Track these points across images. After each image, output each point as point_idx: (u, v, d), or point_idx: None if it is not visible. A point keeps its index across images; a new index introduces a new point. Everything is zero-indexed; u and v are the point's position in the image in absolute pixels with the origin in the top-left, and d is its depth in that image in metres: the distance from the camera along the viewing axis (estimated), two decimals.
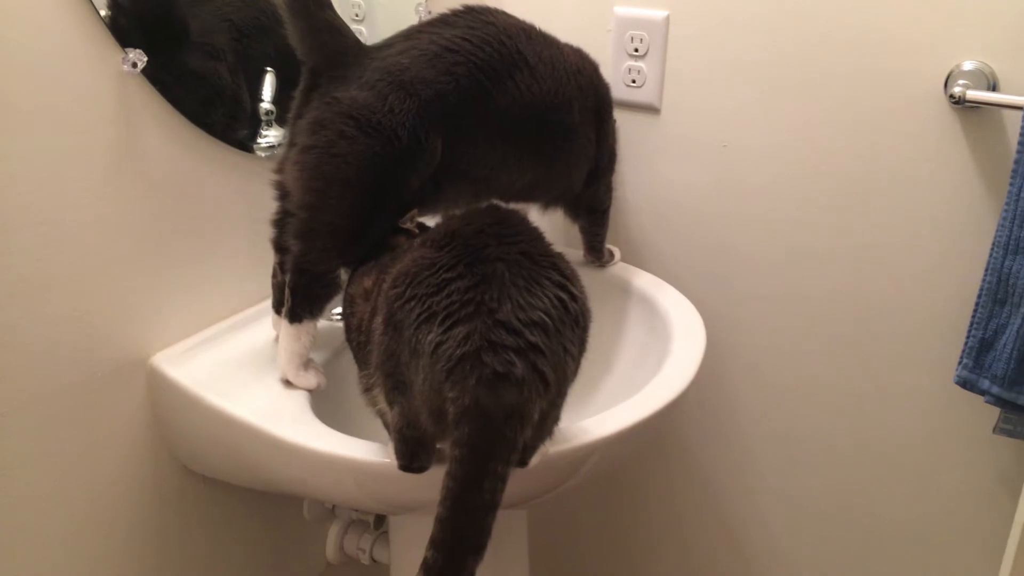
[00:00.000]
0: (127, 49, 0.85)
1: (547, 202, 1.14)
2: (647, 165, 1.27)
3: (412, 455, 0.73)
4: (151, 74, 0.89)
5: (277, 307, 0.99)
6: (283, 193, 0.93)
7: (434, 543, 0.66)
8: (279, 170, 0.93)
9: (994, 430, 1.06)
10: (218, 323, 1.03)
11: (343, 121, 0.85)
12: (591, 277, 1.19)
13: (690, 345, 1.04)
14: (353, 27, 1.17)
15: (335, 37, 0.89)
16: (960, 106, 1.01)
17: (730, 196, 1.22)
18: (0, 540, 0.86)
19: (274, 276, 0.99)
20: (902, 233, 1.11)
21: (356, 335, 0.83)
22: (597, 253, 1.22)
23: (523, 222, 0.76)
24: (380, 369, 0.73)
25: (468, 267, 0.68)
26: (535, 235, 0.75)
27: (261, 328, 1.04)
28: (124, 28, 0.86)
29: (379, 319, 0.72)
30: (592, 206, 1.18)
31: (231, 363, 0.97)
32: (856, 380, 1.20)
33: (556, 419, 0.74)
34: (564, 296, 0.70)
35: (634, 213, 1.31)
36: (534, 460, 0.76)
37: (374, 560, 1.20)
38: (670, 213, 1.28)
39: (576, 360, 0.72)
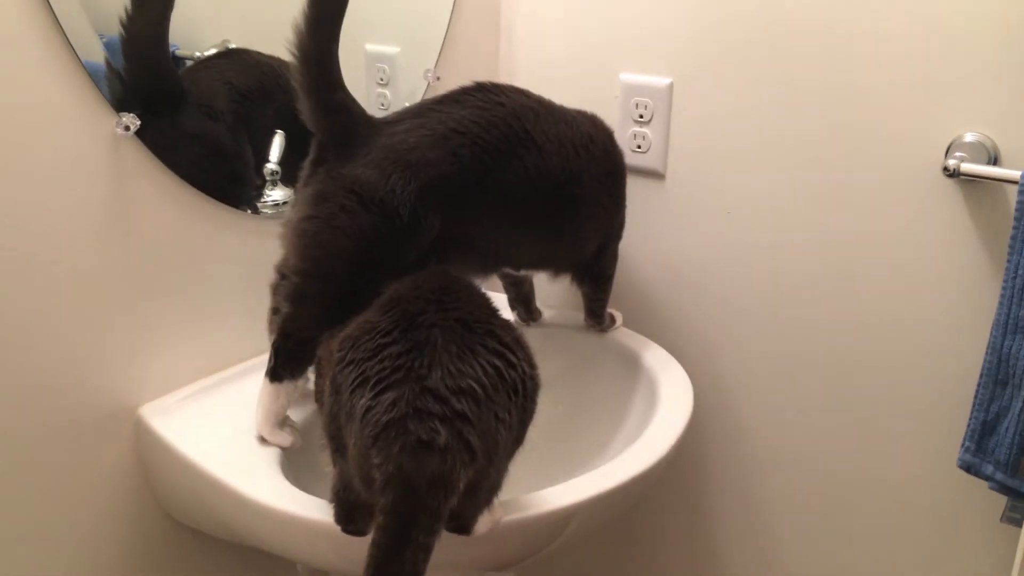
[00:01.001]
0: (120, 113, 0.90)
1: (557, 270, 1.14)
2: (651, 230, 1.27)
3: (348, 518, 0.73)
4: (148, 138, 0.94)
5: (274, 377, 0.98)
6: None
7: None
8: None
9: (1001, 518, 1.01)
10: (210, 376, 1.06)
11: (345, 195, 0.87)
12: (589, 341, 1.21)
13: (674, 413, 1.02)
14: (378, 91, 1.23)
15: (345, 116, 0.91)
16: (955, 179, 0.98)
17: (732, 264, 1.21)
18: None
19: (270, 324, 0.98)
20: (904, 307, 1.08)
21: (319, 396, 0.84)
22: (598, 318, 1.21)
23: (467, 288, 0.76)
24: (325, 431, 0.74)
25: (403, 333, 0.69)
26: (478, 302, 0.75)
27: (252, 383, 1.05)
28: (120, 93, 0.91)
29: (326, 381, 0.74)
30: (598, 272, 1.18)
31: (216, 416, 0.99)
32: (858, 458, 1.16)
33: (495, 488, 0.73)
34: (500, 364, 0.70)
35: (638, 277, 1.30)
36: (481, 528, 0.76)
37: None
38: (673, 278, 1.27)
39: (513, 429, 0.71)
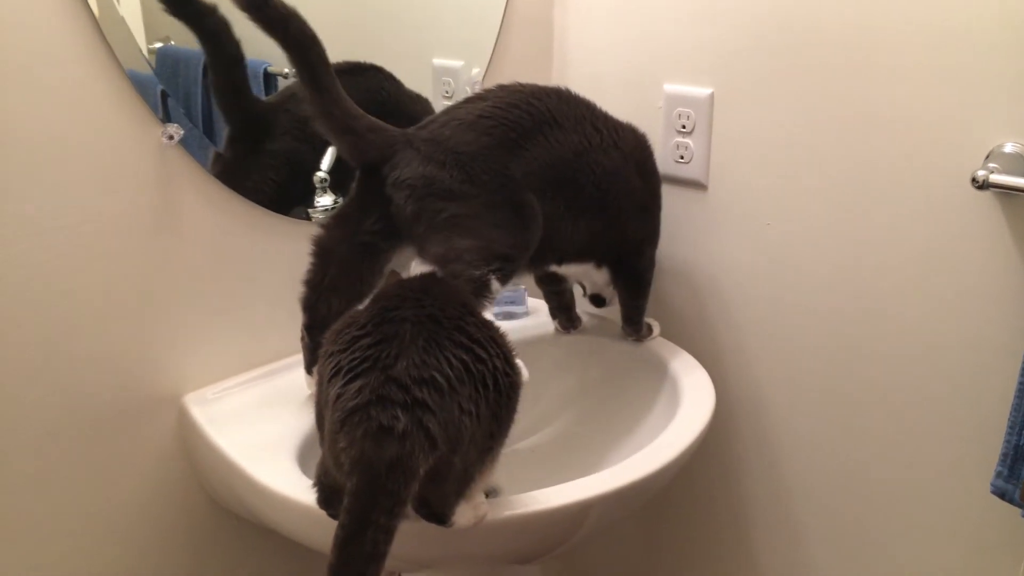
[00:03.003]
0: (166, 124, 0.98)
1: (603, 253, 1.16)
2: (694, 240, 1.26)
3: (328, 501, 0.77)
4: (221, 164, 1.05)
5: (309, 368, 1.04)
6: (320, 253, 1.00)
7: None
8: (326, 231, 1.00)
9: None
10: (249, 371, 1.13)
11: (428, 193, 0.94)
12: (622, 351, 1.21)
13: (693, 416, 1.03)
14: (443, 102, 1.29)
15: (379, 134, 0.97)
16: (990, 191, 0.94)
17: (771, 275, 1.18)
18: (36, 557, 0.98)
19: (303, 339, 1.03)
20: (939, 324, 1.03)
21: None
22: (635, 326, 1.21)
23: (448, 289, 0.79)
24: (316, 420, 0.78)
25: (376, 326, 0.73)
26: (454, 301, 0.77)
27: (288, 379, 1.12)
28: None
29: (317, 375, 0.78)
30: (636, 276, 1.19)
31: (249, 408, 1.05)
32: (890, 477, 1.11)
33: (467, 479, 0.75)
34: (467, 357, 0.72)
35: (678, 287, 1.29)
36: (462, 521, 0.78)
37: None
38: (714, 288, 1.26)
39: (482, 422, 0.73)
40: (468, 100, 1.04)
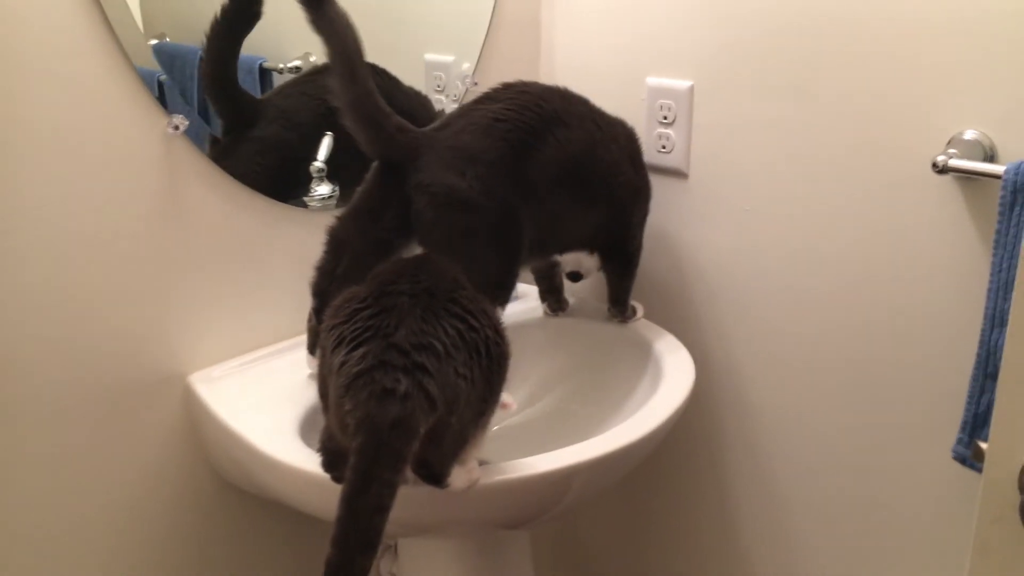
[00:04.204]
0: (171, 114, 1.03)
1: (601, 241, 1.21)
2: (676, 226, 1.32)
3: (332, 464, 0.82)
4: (214, 147, 1.09)
5: (312, 349, 1.10)
6: (334, 243, 1.05)
7: (333, 541, 0.74)
8: (340, 223, 1.05)
9: None
10: (253, 351, 1.18)
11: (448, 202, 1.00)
12: (608, 331, 1.27)
13: (674, 391, 1.08)
14: (435, 96, 1.33)
15: (406, 135, 1.02)
16: (949, 175, 0.99)
17: (749, 259, 1.25)
18: (44, 529, 1.03)
19: (309, 320, 1.09)
20: (906, 302, 1.09)
21: None
22: (621, 307, 1.27)
23: (439, 266, 0.85)
24: (318, 390, 0.83)
25: (376, 299, 0.78)
26: (447, 276, 0.83)
27: (289, 359, 1.17)
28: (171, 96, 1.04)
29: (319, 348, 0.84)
30: (628, 256, 1.25)
31: (253, 386, 1.10)
32: (862, 446, 1.18)
33: (462, 440, 0.81)
34: (461, 326, 0.78)
35: (660, 272, 1.35)
36: (457, 483, 0.83)
37: None
38: (695, 273, 1.31)
39: (476, 386, 0.79)
40: (480, 101, 1.09)
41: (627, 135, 1.21)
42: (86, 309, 1.01)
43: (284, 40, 1.16)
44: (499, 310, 1.01)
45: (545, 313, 1.32)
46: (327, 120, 1.17)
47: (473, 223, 1.01)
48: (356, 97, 0.96)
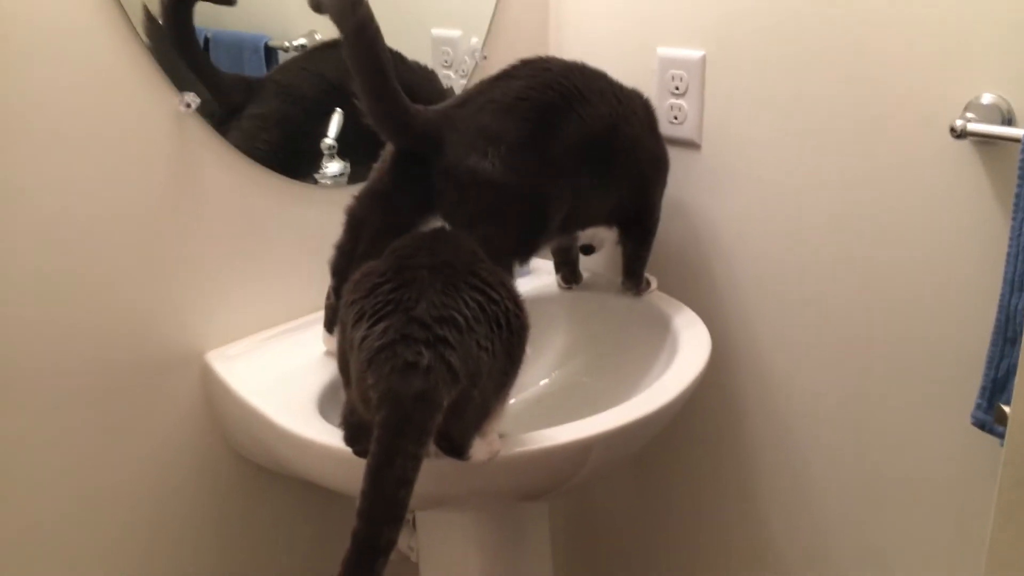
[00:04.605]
0: (183, 92, 1.02)
1: (622, 215, 1.21)
2: (690, 198, 1.31)
3: (354, 439, 0.83)
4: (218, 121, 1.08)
5: (329, 327, 1.10)
6: (354, 223, 1.04)
7: (359, 514, 0.74)
8: (359, 203, 1.04)
9: None
10: (269, 329, 1.18)
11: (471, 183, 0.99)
12: (623, 304, 1.27)
13: (689, 364, 1.08)
14: (443, 72, 1.32)
15: (429, 124, 1.00)
16: (968, 140, 0.99)
17: (762, 228, 1.24)
18: (62, 507, 1.03)
19: (328, 298, 1.09)
20: (925, 268, 1.09)
21: None
22: (636, 279, 1.26)
23: (456, 239, 0.85)
24: (338, 365, 0.84)
25: (396, 273, 0.78)
26: (465, 248, 0.83)
27: (305, 336, 1.17)
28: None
29: (338, 324, 0.84)
30: (646, 229, 1.24)
31: (270, 363, 1.11)
32: (881, 410, 1.18)
33: (484, 413, 0.81)
34: (481, 299, 0.78)
35: (674, 243, 1.34)
36: (478, 455, 0.83)
37: None
38: (708, 243, 1.31)
39: (498, 358, 0.79)
40: (499, 78, 1.07)
41: (644, 107, 1.20)
42: (101, 289, 1.01)
43: (289, 18, 1.16)
44: (516, 265, 1.02)
45: (559, 285, 1.32)
46: (335, 96, 1.17)
47: (497, 203, 1.00)
48: (379, 99, 0.94)
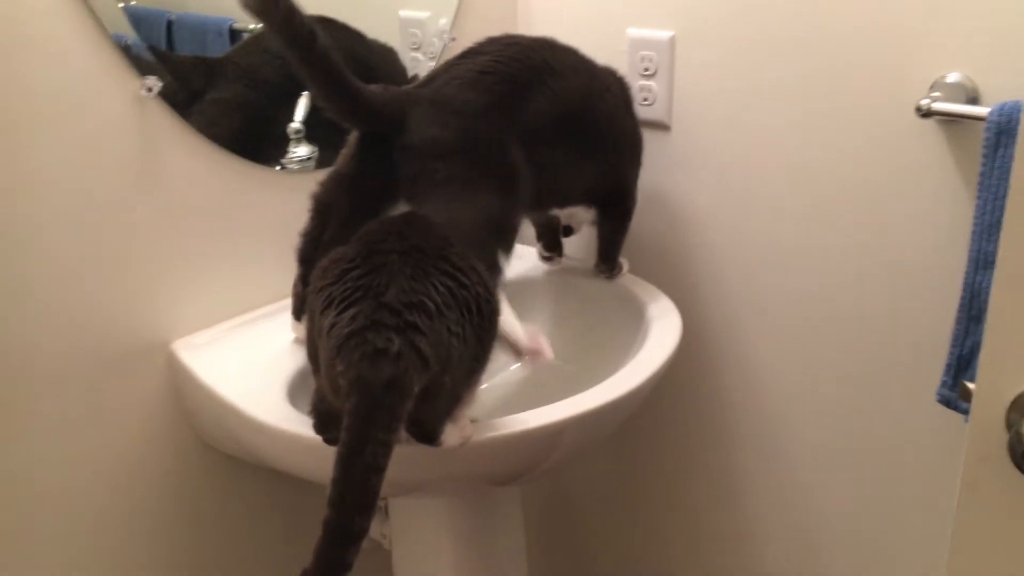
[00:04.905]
0: (144, 76, 1.00)
1: (599, 194, 1.20)
2: (660, 179, 1.31)
3: (324, 427, 0.82)
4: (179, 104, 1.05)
5: (297, 315, 1.08)
6: (320, 209, 1.02)
7: (330, 502, 0.74)
8: (324, 188, 1.02)
9: None
10: (236, 317, 1.16)
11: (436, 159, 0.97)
12: (595, 287, 1.27)
13: (659, 348, 1.09)
14: (411, 54, 1.31)
15: (391, 105, 0.98)
16: (933, 119, 1.00)
17: (733, 209, 1.25)
18: (28, 503, 1.02)
19: (295, 287, 1.07)
20: (891, 247, 1.10)
21: None
22: (611, 263, 1.26)
23: (426, 223, 0.84)
24: (307, 352, 0.83)
25: (364, 259, 0.77)
26: (435, 234, 0.82)
27: (273, 324, 1.16)
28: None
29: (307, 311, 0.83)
30: (623, 211, 1.24)
31: (238, 352, 1.09)
32: (850, 390, 1.20)
33: (455, 399, 0.81)
34: (451, 284, 0.77)
35: (645, 224, 1.34)
36: (450, 441, 0.83)
37: None
38: (678, 224, 1.32)
39: (468, 344, 0.78)
40: (465, 55, 1.05)
41: (619, 83, 1.19)
42: (60, 279, 0.99)
43: None
44: (504, 259, 1.00)
45: (540, 255, 1.32)
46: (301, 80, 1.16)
47: (461, 173, 0.97)
48: (341, 102, 0.93)
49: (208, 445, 1.17)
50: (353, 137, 1.02)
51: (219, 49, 1.12)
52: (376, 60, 1.27)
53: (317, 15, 1.15)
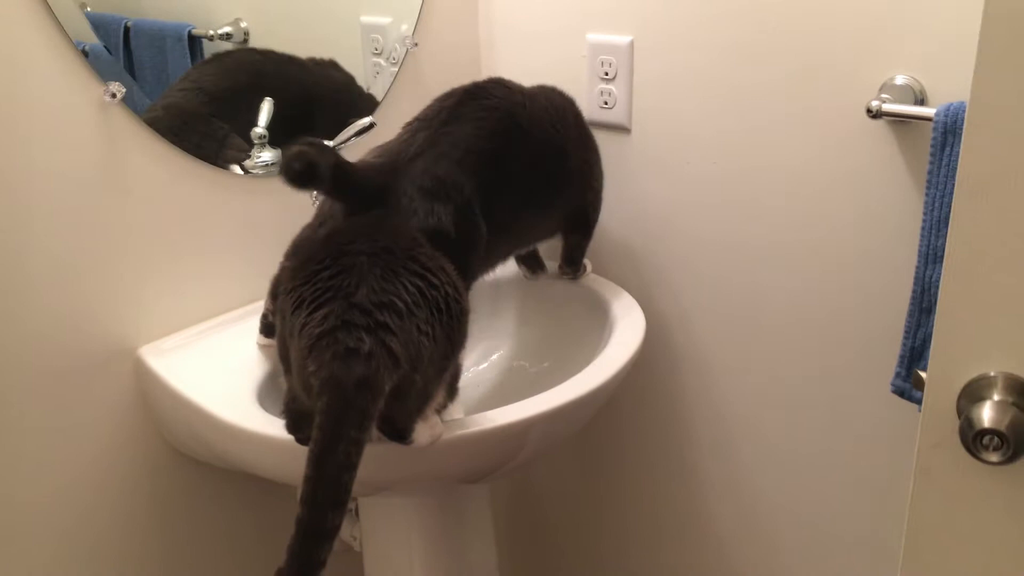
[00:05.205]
0: (107, 82, 1.00)
1: (566, 220, 1.23)
2: (620, 181, 1.34)
3: (296, 426, 0.83)
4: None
5: (266, 333, 1.09)
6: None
7: (303, 500, 0.75)
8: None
9: None
10: (203, 322, 1.16)
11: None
12: (559, 288, 1.29)
13: (623, 346, 1.11)
14: (373, 60, 1.32)
15: (379, 188, 0.95)
16: (883, 120, 1.03)
17: (692, 210, 1.27)
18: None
19: (264, 318, 1.08)
20: (844, 244, 1.13)
21: None
22: (575, 266, 1.29)
23: (395, 223, 0.85)
24: (278, 353, 0.84)
25: (334, 260, 0.78)
26: (403, 234, 0.84)
27: (240, 329, 1.16)
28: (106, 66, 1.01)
29: (277, 312, 0.83)
30: (589, 223, 1.26)
31: (205, 356, 1.09)
32: (806, 381, 1.23)
33: (426, 397, 0.82)
34: (421, 284, 0.79)
35: (607, 226, 1.37)
36: (421, 439, 0.84)
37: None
38: (639, 225, 1.34)
39: (438, 343, 0.80)
40: (446, 121, 1.03)
41: (568, 107, 1.20)
42: (25, 286, 0.98)
43: (212, 5, 1.14)
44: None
45: (525, 276, 1.33)
46: (263, 86, 1.17)
47: (440, 245, 0.94)
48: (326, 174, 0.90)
49: (177, 451, 1.17)
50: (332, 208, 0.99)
51: (178, 55, 1.12)
52: (314, 80, 1.27)
53: (260, 48, 1.18)
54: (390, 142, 1.05)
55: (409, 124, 1.06)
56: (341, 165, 0.89)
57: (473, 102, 1.06)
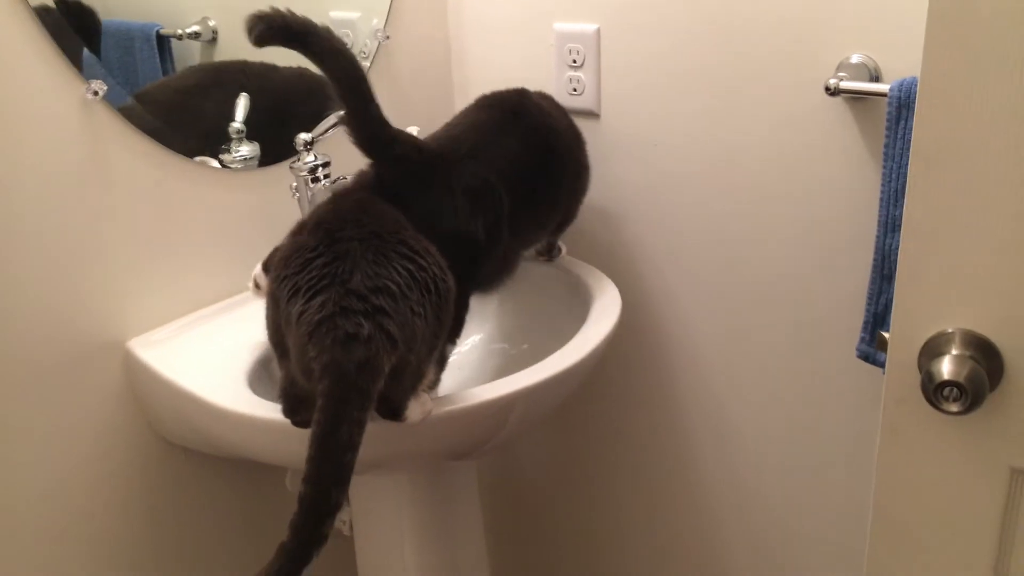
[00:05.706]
0: (89, 80, 1.02)
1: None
2: (592, 164, 1.37)
3: (294, 410, 0.86)
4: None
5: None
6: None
7: (306, 479, 0.78)
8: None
9: None
10: (190, 313, 1.18)
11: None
12: (537, 270, 1.33)
13: (601, 323, 1.15)
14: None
15: (408, 162, 0.99)
16: (837, 97, 1.08)
17: (662, 190, 1.32)
18: None
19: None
20: (807, 217, 1.18)
21: None
22: (552, 249, 1.33)
23: (380, 207, 0.88)
24: (270, 340, 0.86)
25: (327, 247, 0.81)
26: (390, 218, 0.87)
27: (228, 319, 1.18)
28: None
29: (268, 299, 0.86)
30: (570, 215, 1.30)
31: (194, 346, 1.12)
32: (774, 354, 1.29)
33: (419, 375, 0.85)
34: (411, 266, 0.82)
35: (582, 209, 1.40)
36: (413, 416, 0.88)
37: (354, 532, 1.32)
38: (611, 207, 1.38)
39: (429, 322, 0.83)
40: (495, 130, 1.09)
41: (575, 135, 1.25)
42: (12, 282, 1.00)
43: (180, 5, 1.15)
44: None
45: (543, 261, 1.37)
46: (241, 81, 1.19)
47: (461, 252, 0.98)
48: (358, 119, 0.96)
49: (168, 441, 1.19)
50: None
51: (147, 55, 1.13)
52: (289, 74, 1.28)
53: (237, 61, 1.20)
54: (434, 134, 1.09)
55: (453, 124, 1.11)
56: (383, 122, 0.94)
57: (519, 120, 1.12)
